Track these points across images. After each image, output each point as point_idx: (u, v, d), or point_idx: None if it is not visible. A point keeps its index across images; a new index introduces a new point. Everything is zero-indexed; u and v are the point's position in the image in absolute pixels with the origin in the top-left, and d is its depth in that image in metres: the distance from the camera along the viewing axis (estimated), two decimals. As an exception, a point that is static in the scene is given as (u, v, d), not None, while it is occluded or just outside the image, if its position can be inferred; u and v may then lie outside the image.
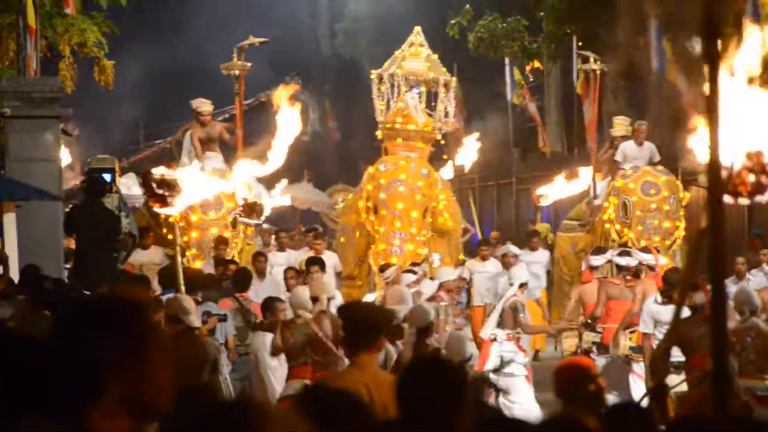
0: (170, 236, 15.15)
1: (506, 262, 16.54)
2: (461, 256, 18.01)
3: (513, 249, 17.23)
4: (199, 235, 16.68)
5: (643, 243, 16.78)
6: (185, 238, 16.50)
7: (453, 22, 27.45)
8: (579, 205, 19.53)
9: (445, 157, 22.62)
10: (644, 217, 17.36)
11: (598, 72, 19.39)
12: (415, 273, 13.73)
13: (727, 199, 4.22)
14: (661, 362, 5.83)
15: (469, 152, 20.84)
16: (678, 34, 19.87)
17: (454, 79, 18.17)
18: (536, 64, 30.77)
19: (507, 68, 29.52)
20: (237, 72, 18.18)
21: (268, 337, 11.32)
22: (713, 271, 3.31)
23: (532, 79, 31.59)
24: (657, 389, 5.21)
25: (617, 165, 18.17)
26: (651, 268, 14.56)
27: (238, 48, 18.27)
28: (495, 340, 12.74)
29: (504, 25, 27.12)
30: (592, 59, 19.35)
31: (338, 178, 30.15)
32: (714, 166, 3.40)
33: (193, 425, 2.54)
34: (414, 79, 17.58)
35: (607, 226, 17.82)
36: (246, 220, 16.56)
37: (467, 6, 27.57)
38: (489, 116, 30.43)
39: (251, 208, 16.39)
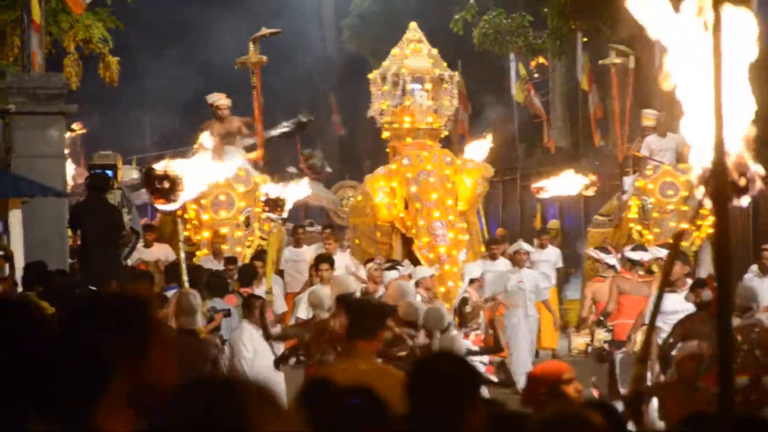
0: (186, 233, 15.10)
1: (518, 260, 16.36)
2: (483, 249, 17.73)
3: (525, 246, 17.02)
4: (210, 234, 16.53)
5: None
6: (198, 237, 16.42)
7: (457, 17, 27.38)
8: (611, 201, 19.39)
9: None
10: (661, 219, 17.27)
11: (631, 67, 19.16)
12: (397, 269, 13.68)
13: (707, 203, 4.10)
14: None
15: (479, 151, 20.70)
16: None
17: (457, 73, 18.08)
18: (541, 60, 30.71)
19: (512, 64, 29.46)
20: (255, 59, 17.81)
21: (246, 330, 11.33)
22: (719, 269, 3.29)
23: (536, 75, 31.54)
24: (633, 397, 5.14)
25: (645, 159, 18.05)
26: None
27: (252, 39, 18.01)
28: None
29: (508, 20, 27.06)
30: (613, 54, 19.15)
31: (343, 173, 30.10)
32: (719, 162, 3.34)
33: (196, 419, 2.53)
34: (420, 76, 17.46)
35: (631, 225, 17.75)
36: (270, 215, 16.51)
37: (471, 1, 27.51)
38: (494, 112, 30.39)
39: (275, 203, 16.34)
